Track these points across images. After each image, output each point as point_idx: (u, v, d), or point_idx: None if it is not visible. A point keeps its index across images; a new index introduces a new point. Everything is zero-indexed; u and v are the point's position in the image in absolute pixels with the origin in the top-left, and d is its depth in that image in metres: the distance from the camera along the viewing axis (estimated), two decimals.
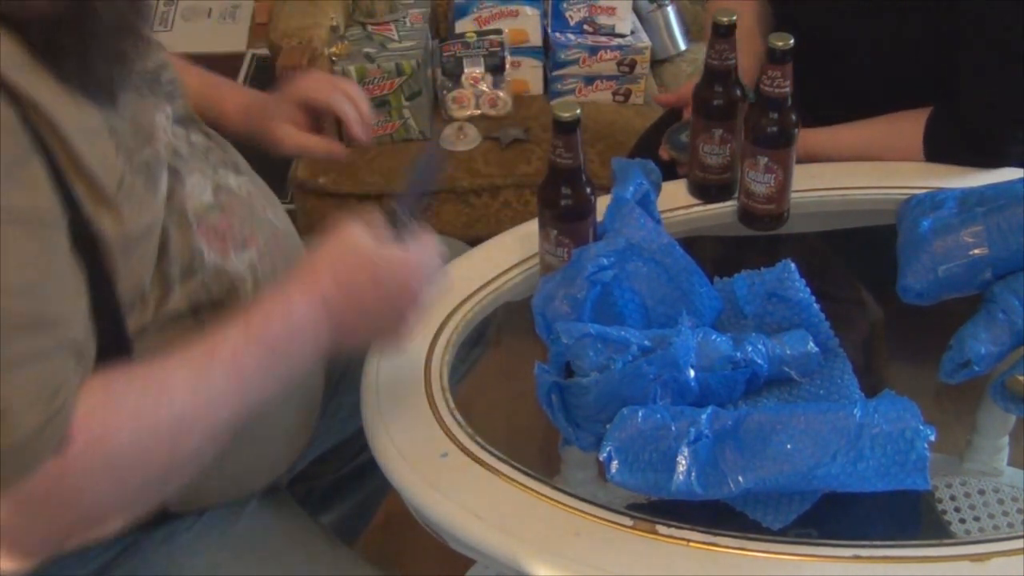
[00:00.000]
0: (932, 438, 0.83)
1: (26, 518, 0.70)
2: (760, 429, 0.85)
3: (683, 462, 0.84)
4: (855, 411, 0.84)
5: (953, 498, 0.96)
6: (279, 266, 0.95)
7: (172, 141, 0.89)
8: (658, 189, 1.13)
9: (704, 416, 0.87)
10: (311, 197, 1.97)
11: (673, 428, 0.86)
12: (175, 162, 0.88)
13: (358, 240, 0.85)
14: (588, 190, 1.04)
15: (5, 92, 0.69)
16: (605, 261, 0.99)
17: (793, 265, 1.00)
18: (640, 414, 0.88)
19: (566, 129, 1.00)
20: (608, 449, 0.86)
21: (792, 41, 1.07)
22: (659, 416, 0.87)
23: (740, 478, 0.83)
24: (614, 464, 0.86)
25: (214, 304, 0.88)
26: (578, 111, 0.99)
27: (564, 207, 1.04)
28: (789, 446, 0.83)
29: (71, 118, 0.73)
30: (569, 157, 1.01)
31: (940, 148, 1.28)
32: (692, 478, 0.84)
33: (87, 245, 0.75)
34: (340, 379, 1.13)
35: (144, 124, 0.85)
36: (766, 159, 1.13)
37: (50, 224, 0.71)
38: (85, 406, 0.70)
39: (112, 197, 0.76)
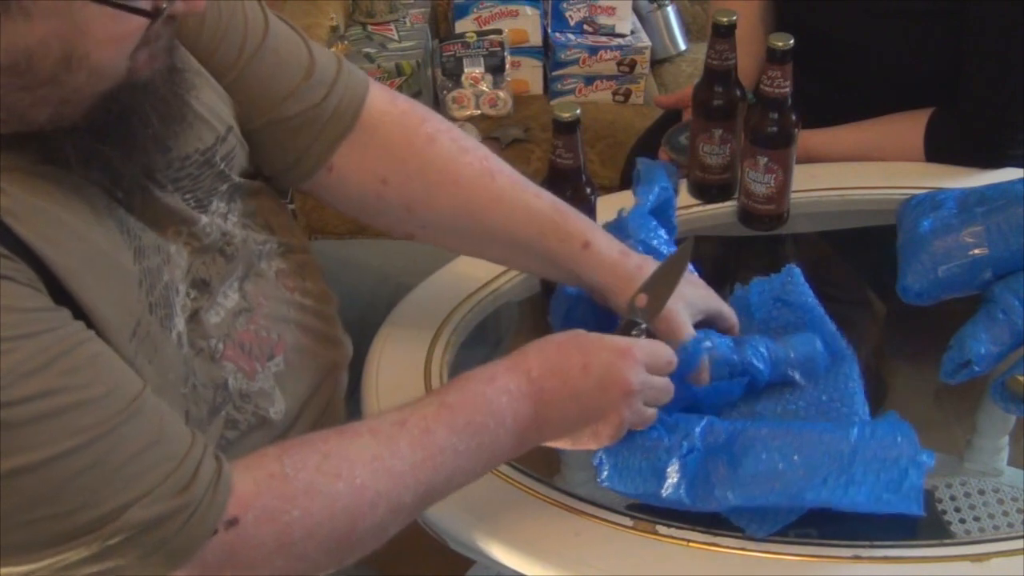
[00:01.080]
0: (931, 464, 0.80)
1: None
2: (753, 446, 0.83)
3: (673, 475, 0.83)
4: (852, 434, 0.82)
5: (953, 498, 0.95)
6: (308, 364, 0.92)
7: (216, 240, 0.84)
8: (677, 192, 1.13)
9: (698, 429, 0.85)
10: (312, 197, 1.96)
11: (666, 441, 0.85)
12: (207, 272, 0.84)
13: (577, 331, 0.81)
14: (588, 190, 1.04)
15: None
16: None
17: (798, 270, 1.00)
18: None
19: (566, 129, 1.00)
20: (599, 455, 0.86)
21: (792, 41, 1.07)
22: (653, 426, 0.86)
23: (729, 494, 0.82)
24: (605, 469, 0.85)
25: (243, 436, 0.85)
26: (578, 111, 0.99)
27: None
28: (781, 465, 0.82)
29: (85, 265, 0.68)
30: (569, 157, 1.01)
31: (941, 148, 1.27)
32: (681, 492, 0.83)
33: None
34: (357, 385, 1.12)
35: (164, 246, 0.79)
36: (766, 159, 1.13)
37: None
38: (253, 479, 0.69)
39: (125, 347, 0.70)
